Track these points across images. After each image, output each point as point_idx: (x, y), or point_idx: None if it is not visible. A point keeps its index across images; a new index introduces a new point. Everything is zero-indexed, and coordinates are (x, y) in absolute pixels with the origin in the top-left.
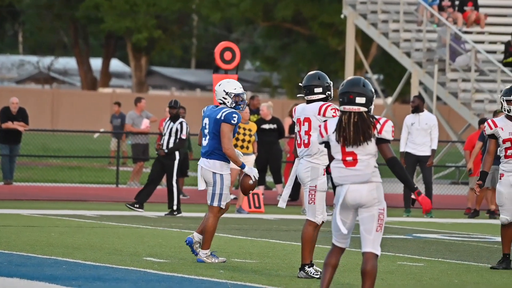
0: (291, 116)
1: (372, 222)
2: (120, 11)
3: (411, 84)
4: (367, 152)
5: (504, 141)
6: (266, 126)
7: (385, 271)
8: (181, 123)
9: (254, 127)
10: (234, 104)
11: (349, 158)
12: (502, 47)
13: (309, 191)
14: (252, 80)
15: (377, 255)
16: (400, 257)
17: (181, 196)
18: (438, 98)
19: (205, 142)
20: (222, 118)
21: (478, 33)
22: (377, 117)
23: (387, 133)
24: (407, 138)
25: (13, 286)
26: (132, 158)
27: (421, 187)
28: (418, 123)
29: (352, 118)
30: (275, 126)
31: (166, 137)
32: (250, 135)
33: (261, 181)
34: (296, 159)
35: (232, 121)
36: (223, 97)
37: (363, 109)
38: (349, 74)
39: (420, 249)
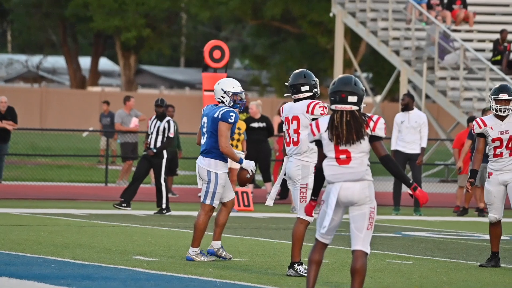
0: (279, 114)
1: (363, 220)
2: (109, 10)
3: (400, 82)
4: (360, 150)
5: (493, 140)
6: (255, 125)
7: (374, 269)
8: (168, 122)
9: (243, 125)
10: (232, 103)
11: (342, 156)
12: (490, 45)
13: (300, 189)
14: (241, 78)
15: (366, 253)
16: (389, 255)
17: (170, 195)
18: (427, 96)
19: (203, 141)
20: (220, 117)
21: (467, 31)
22: (369, 114)
23: (380, 130)
24: (398, 136)
25: (1, 285)
26: (121, 156)
27: None
28: (408, 121)
29: (345, 117)
30: (264, 124)
31: (153, 136)
32: (239, 134)
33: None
34: (285, 158)
35: (229, 120)
36: (221, 96)
37: (355, 107)
38: (338, 73)
39: (409, 247)
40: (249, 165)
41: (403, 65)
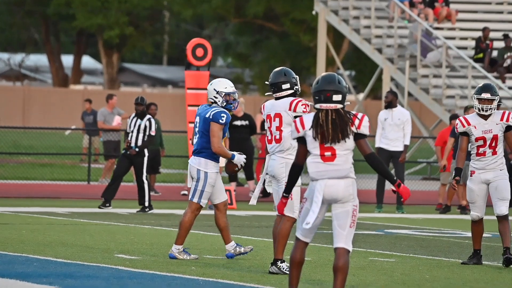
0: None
1: (347, 218)
2: (91, 8)
3: (383, 80)
4: (345, 148)
5: (477, 139)
6: (238, 123)
7: (356, 267)
8: (149, 120)
9: None
10: (225, 103)
11: (327, 153)
12: (473, 43)
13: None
14: (224, 76)
15: (349, 251)
16: (371, 253)
17: (153, 193)
18: (410, 94)
19: (195, 140)
20: (211, 117)
21: (449, 29)
22: (353, 112)
23: (365, 128)
24: (381, 134)
25: None
26: (104, 155)
27: None
28: (391, 118)
29: (330, 116)
30: (247, 122)
31: (134, 134)
32: None
33: (233, 177)
34: (267, 156)
35: (220, 121)
36: (214, 96)
37: (339, 106)
38: (321, 71)
39: (392, 245)
40: (240, 160)
41: (385, 63)
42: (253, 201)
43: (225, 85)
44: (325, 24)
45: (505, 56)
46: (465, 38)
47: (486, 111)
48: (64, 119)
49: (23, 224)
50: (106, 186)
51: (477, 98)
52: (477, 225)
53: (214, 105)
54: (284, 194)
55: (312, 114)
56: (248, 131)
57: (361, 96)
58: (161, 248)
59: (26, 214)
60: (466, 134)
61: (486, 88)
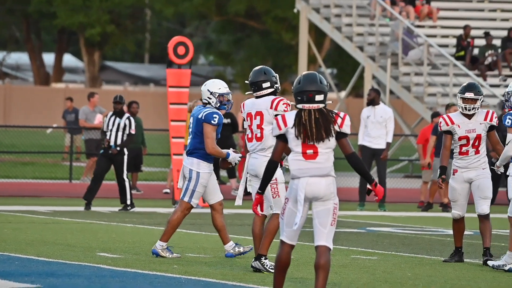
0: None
1: (328, 216)
2: (72, 6)
3: (364, 78)
4: (327, 146)
5: (460, 138)
6: None
7: (338, 264)
8: (128, 118)
9: None
10: (219, 104)
11: (309, 151)
12: (454, 41)
13: (271, 185)
14: (206, 74)
15: (330, 249)
16: (353, 251)
17: (135, 191)
18: (391, 92)
19: (188, 141)
20: (203, 118)
21: (431, 27)
22: (335, 111)
23: (347, 127)
24: (364, 132)
25: None
26: (86, 153)
27: (375, 180)
28: (373, 116)
29: (313, 115)
30: (228, 120)
31: (113, 133)
32: None
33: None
34: (247, 154)
35: (212, 121)
36: (208, 97)
37: (321, 105)
38: (303, 69)
39: (374, 243)
40: (235, 158)
41: (367, 61)
42: (238, 202)
43: (219, 86)
44: (306, 22)
45: (486, 54)
46: (446, 36)
47: (470, 110)
48: (46, 118)
49: (5, 223)
50: (87, 188)
51: (461, 98)
52: (458, 223)
53: (208, 106)
54: (259, 191)
55: (294, 112)
56: (230, 129)
57: (343, 94)
58: (143, 246)
59: (7, 213)
60: (449, 132)
61: (470, 87)
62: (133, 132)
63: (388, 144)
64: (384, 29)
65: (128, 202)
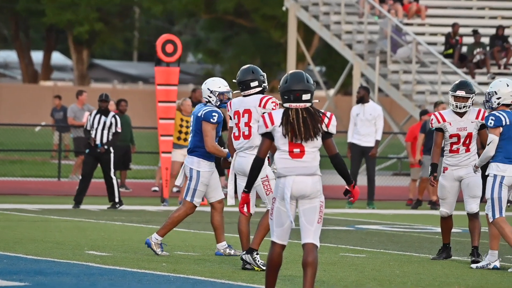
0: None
1: (314, 214)
2: (61, 4)
3: (353, 76)
4: (314, 145)
5: (451, 136)
6: None
7: (327, 262)
8: (114, 117)
9: None
10: (219, 102)
11: (296, 150)
12: (442, 39)
13: (262, 182)
14: (195, 72)
15: (317, 246)
16: (342, 249)
17: (124, 189)
18: (380, 90)
19: (190, 139)
20: (202, 116)
21: (419, 25)
22: (322, 111)
23: (333, 127)
24: (354, 129)
25: None
26: (74, 151)
27: (364, 178)
28: (363, 113)
29: (301, 114)
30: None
31: (99, 132)
32: (188, 127)
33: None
34: (234, 153)
35: (212, 120)
36: (208, 95)
37: (308, 104)
38: (291, 67)
39: (362, 240)
40: None
41: (356, 59)
42: (230, 201)
43: (219, 84)
44: (295, 20)
45: (475, 51)
46: (435, 34)
47: (461, 108)
48: (34, 116)
49: None
50: (77, 191)
51: (452, 96)
52: (446, 221)
53: (208, 104)
54: (245, 190)
55: (281, 110)
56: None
57: (331, 92)
58: (132, 244)
59: None
60: (441, 130)
61: (462, 85)
62: (119, 130)
63: (377, 142)
64: (372, 27)
65: (117, 200)
